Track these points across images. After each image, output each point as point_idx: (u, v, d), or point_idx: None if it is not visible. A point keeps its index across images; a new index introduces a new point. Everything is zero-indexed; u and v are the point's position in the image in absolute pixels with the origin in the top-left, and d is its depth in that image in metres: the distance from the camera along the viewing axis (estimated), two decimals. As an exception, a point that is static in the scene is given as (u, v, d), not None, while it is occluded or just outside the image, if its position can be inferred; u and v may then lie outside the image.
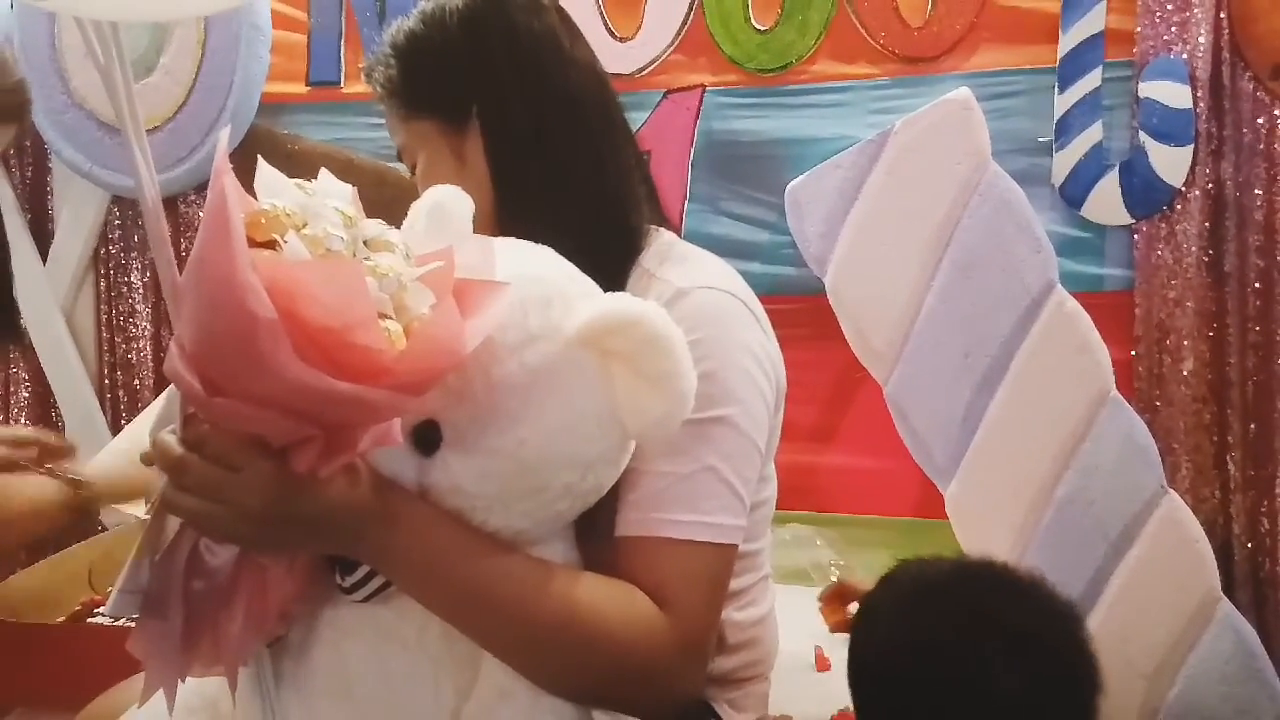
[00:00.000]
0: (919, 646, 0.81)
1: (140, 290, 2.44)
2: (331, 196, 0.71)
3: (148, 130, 2.51)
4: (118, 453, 1.85)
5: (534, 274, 0.80)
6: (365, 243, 0.70)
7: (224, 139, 0.68)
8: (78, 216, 2.44)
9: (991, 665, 0.78)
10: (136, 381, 2.45)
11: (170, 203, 2.37)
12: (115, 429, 2.41)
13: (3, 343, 1.82)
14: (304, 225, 0.68)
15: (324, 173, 0.75)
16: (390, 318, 0.68)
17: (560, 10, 1.00)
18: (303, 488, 0.70)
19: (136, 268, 2.43)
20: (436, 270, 0.71)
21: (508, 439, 0.76)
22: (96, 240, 2.46)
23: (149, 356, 2.45)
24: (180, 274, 0.69)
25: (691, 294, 0.89)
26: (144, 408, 2.37)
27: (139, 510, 1.84)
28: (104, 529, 2.40)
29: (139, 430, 1.90)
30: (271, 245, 0.66)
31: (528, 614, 0.79)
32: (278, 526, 0.71)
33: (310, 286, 0.63)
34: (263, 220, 0.66)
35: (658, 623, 0.83)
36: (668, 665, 0.84)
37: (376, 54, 1.00)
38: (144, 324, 2.44)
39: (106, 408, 2.47)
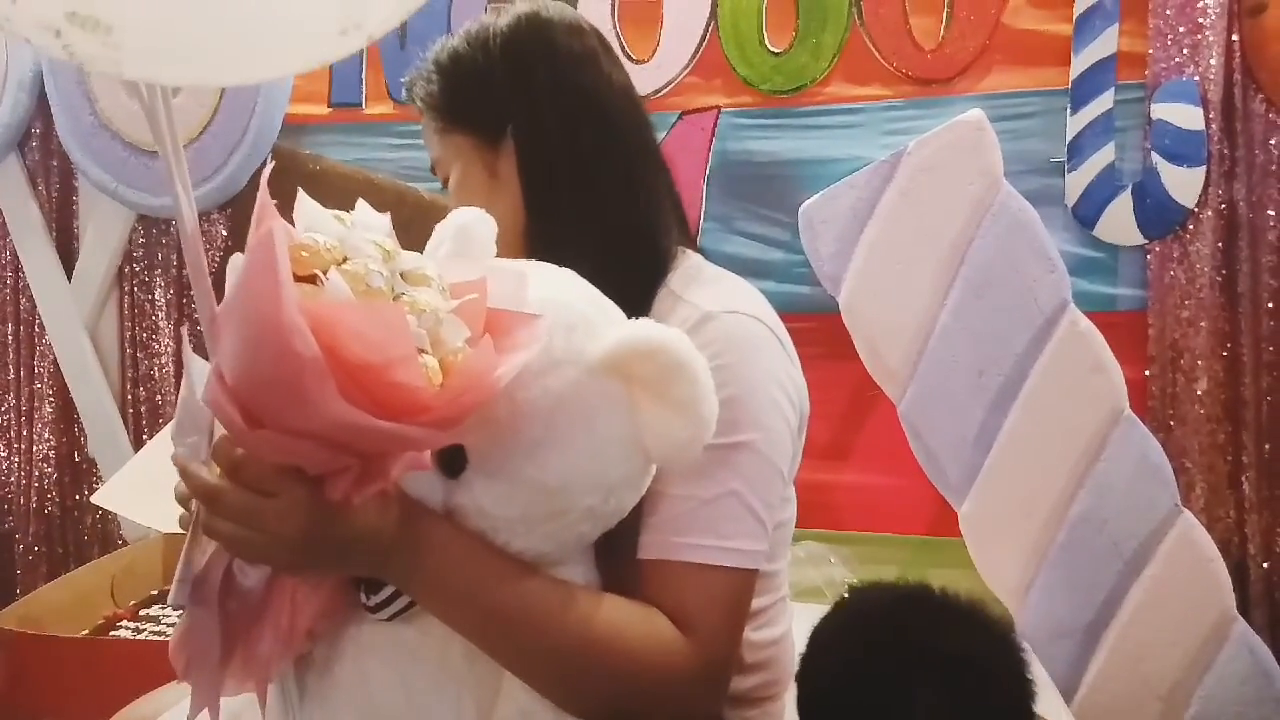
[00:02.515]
0: (855, 675, 0.82)
1: (164, 307, 2.47)
2: (369, 229, 0.73)
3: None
4: (138, 468, 1.88)
5: (558, 299, 0.81)
6: (402, 275, 0.72)
7: (267, 173, 0.70)
8: (103, 235, 2.48)
9: (922, 693, 0.78)
10: (159, 397, 2.48)
11: (192, 221, 2.40)
12: (137, 444, 2.45)
13: None
14: (344, 259, 0.70)
15: (361, 204, 0.77)
16: (427, 352, 0.70)
17: (599, 35, 1.01)
18: (336, 514, 0.72)
19: (160, 285, 2.46)
20: (470, 302, 0.73)
21: (531, 463, 0.77)
22: (121, 258, 2.49)
23: (171, 373, 2.48)
24: (218, 303, 0.71)
25: (718, 318, 0.90)
26: (165, 423, 2.40)
27: (160, 525, 1.86)
28: (125, 543, 2.43)
29: (158, 448, 1.93)
30: (311, 279, 0.67)
31: (551, 636, 0.80)
32: (311, 551, 0.73)
33: (353, 326, 0.64)
34: (304, 254, 0.68)
35: (679, 646, 0.84)
36: (688, 688, 0.84)
37: (418, 69, 1.01)
38: (166, 340, 2.47)
39: (129, 423, 2.50)
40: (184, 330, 2.45)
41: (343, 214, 0.74)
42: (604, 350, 0.78)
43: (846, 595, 0.90)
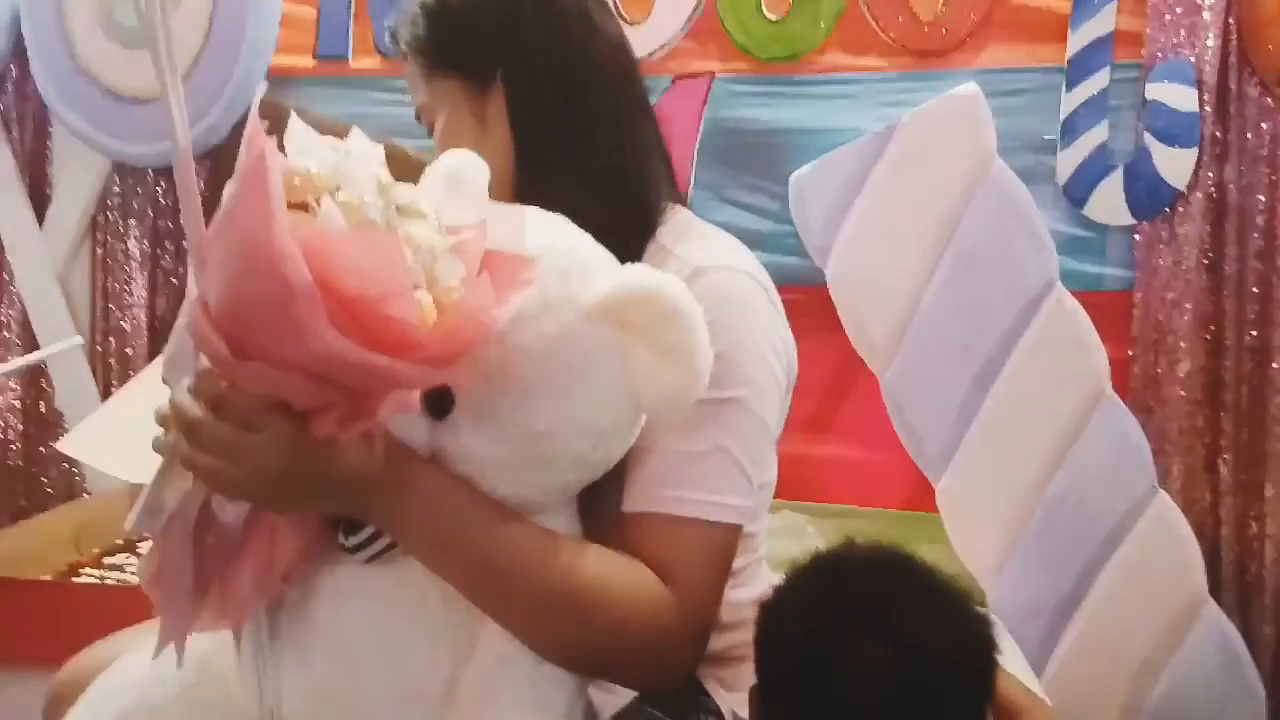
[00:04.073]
0: (805, 638, 0.81)
1: (137, 259, 2.42)
2: (364, 159, 0.71)
3: (152, 100, 2.49)
4: (107, 418, 1.85)
5: (552, 243, 0.80)
6: (398, 209, 0.70)
7: (258, 95, 0.68)
8: (77, 183, 2.43)
9: (871, 661, 0.77)
10: (129, 349, 2.44)
11: (169, 172, 2.34)
12: (106, 397, 2.40)
13: None
14: (337, 189, 0.68)
15: (356, 132, 0.75)
16: (421, 288, 0.68)
17: None
18: (320, 451, 0.70)
19: (134, 236, 2.42)
20: (468, 240, 0.71)
21: (520, 408, 0.76)
22: (95, 208, 2.44)
23: (143, 325, 2.44)
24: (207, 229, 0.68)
25: (710, 273, 0.89)
26: (136, 375, 2.37)
27: (127, 475, 1.84)
28: (89, 494, 2.40)
29: (128, 398, 1.90)
30: (303, 207, 0.65)
31: (535, 583, 0.79)
32: (293, 488, 0.71)
33: (347, 256, 0.63)
34: (296, 181, 0.66)
35: (663, 598, 0.83)
36: (670, 640, 0.84)
37: (403, 12, 1.00)
38: (139, 292, 2.43)
39: (98, 375, 2.46)
40: (158, 282, 2.40)
41: (336, 142, 0.72)
42: (599, 295, 0.77)
43: (809, 559, 0.89)
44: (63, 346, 2.15)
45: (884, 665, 0.77)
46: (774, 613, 0.86)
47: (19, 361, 2.23)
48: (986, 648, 0.81)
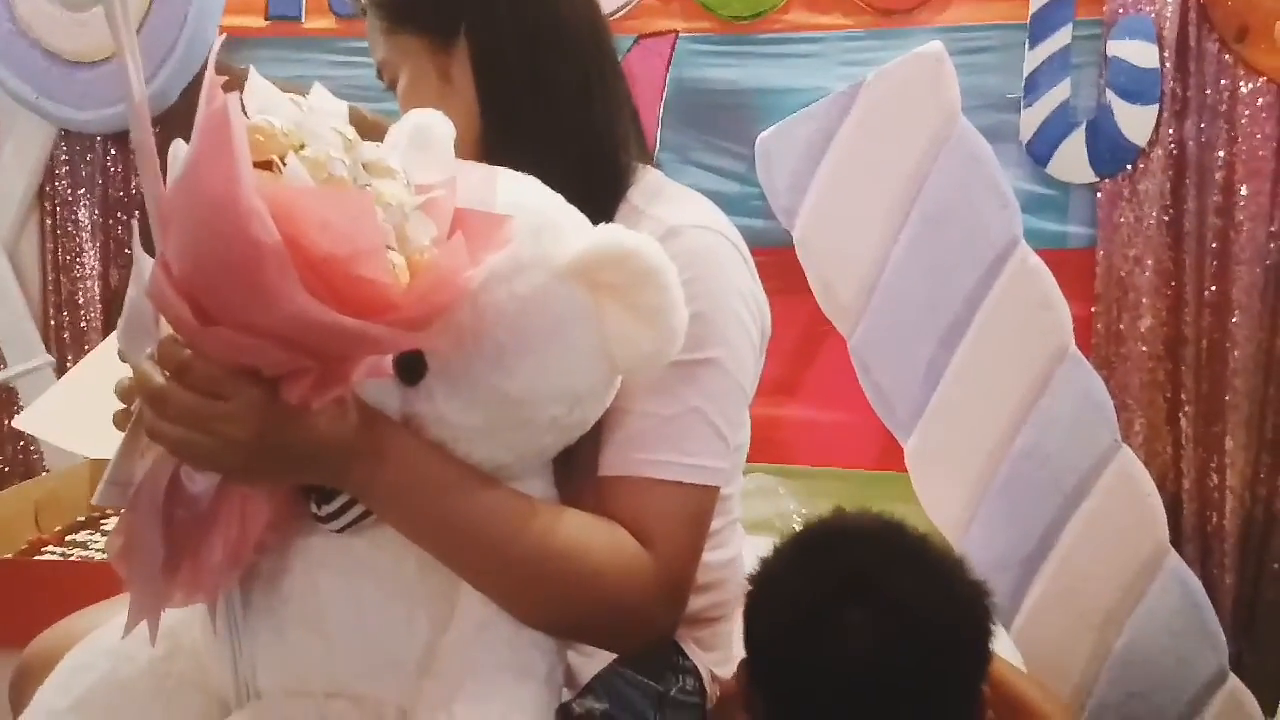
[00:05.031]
0: (796, 607, 0.81)
1: (88, 228, 2.36)
2: (328, 115, 0.68)
3: (97, 61, 2.40)
4: (64, 393, 1.81)
5: (524, 202, 0.78)
6: (364, 166, 0.68)
7: (215, 48, 0.65)
8: (22, 151, 2.35)
9: (865, 630, 0.77)
10: (83, 322, 2.38)
11: (120, 139, 2.29)
12: (61, 370, 2.35)
13: None
14: (301, 146, 0.65)
15: (318, 87, 0.72)
16: (393, 249, 0.66)
17: None
18: (291, 419, 0.68)
19: (84, 204, 2.35)
20: (438, 199, 0.69)
21: (494, 370, 0.75)
22: (42, 176, 2.37)
23: (96, 296, 2.38)
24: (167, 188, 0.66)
25: (684, 233, 0.88)
26: (91, 348, 2.31)
27: (86, 450, 1.80)
28: (48, 472, 2.34)
29: (84, 372, 1.85)
30: (267, 165, 0.63)
31: (513, 548, 0.78)
32: (264, 457, 0.69)
33: (316, 214, 0.60)
34: (259, 138, 0.63)
35: (641, 560, 0.83)
36: (649, 603, 0.84)
37: None
38: (92, 263, 2.37)
39: (52, 348, 2.40)
40: (111, 251, 2.34)
41: (298, 98, 0.69)
42: (573, 255, 0.76)
43: (802, 526, 0.89)
44: (31, 366, 2.13)
45: (878, 634, 0.77)
46: (763, 585, 0.85)
47: None
48: (982, 615, 0.81)
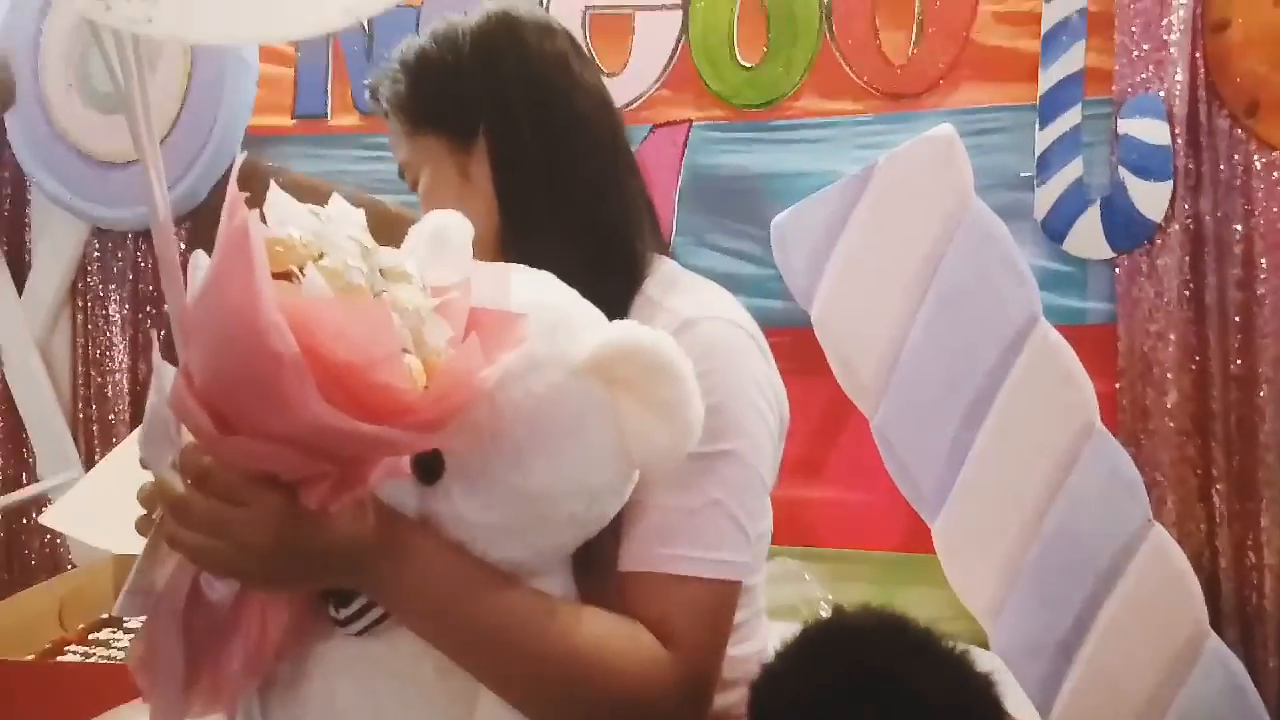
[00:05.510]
0: (807, 710, 0.79)
1: (118, 323, 2.41)
2: (346, 224, 0.70)
3: (130, 163, 2.48)
4: (90, 489, 1.82)
5: (539, 299, 0.79)
6: (381, 272, 0.69)
7: (238, 162, 0.67)
8: (56, 249, 2.42)
9: None
10: (111, 415, 2.42)
11: (150, 235, 2.34)
12: (89, 463, 2.37)
13: None
14: (320, 255, 0.67)
15: (335, 197, 0.74)
16: (410, 352, 0.67)
17: (570, 36, 1.00)
18: (311, 523, 0.69)
19: (115, 300, 2.40)
20: (453, 300, 0.70)
21: (512, 468, 0.75)
22: (74, 273, 2.43)
23: (125, 390, 2.41)
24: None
25: (700, 324, 0.88)
26: (118, 441, 2.33)
27: (110, 546, 1.80)
28: (74, 567, 2.35)
29: (110, 467, 1.87)
30: (286, 276, 0.64)
31: (532, 648, 0.77)
32: (284, 562, 0.69)
33: (334, 324, 0.62)
34: (278, 249, 0.65)
35: (662, 660, 0.81)
36: (672, 703, 0.82)
37: (383, 70, 0.99)
38: (121, 357, 2.41)
39: (80, 441, 2.43)
40: (140, 346, 2.38)
41: (317, 208, 0.71)
42: (587, 351, 0.76)
43: (809, 624, 0.87)
44: (60, 481, 2.17)
45: None
46: (769, 689, 0.83)
47: (16, 495, 2.24)
48: (994, 704, 0.79)
